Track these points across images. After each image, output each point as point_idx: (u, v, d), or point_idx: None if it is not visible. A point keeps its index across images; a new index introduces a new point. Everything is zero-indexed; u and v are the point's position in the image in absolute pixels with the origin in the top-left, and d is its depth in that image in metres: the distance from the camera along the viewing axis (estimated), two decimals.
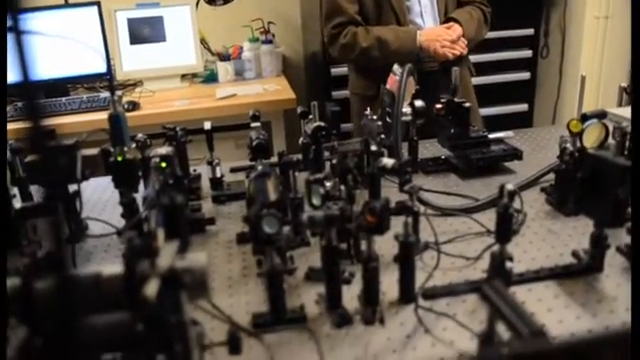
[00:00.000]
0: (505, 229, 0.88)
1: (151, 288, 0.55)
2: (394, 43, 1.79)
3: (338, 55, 1.89)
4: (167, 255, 0.60)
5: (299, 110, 1.36)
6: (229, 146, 2.37)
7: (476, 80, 2.86)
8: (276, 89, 2.65)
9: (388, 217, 0.82)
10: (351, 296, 0.92)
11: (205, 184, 1.40)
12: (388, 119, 1.35)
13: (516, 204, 1.05)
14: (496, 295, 0.56)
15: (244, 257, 1.09)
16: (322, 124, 1.21)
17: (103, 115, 1.15)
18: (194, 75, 2.83)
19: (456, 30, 1.81)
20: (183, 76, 2.79)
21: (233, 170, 1.53)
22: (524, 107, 3.12)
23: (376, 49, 1.80)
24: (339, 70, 2.75)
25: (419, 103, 1.37)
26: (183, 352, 0.59)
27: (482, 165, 1.38)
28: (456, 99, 1.39)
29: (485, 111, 2.86)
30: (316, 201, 0.93)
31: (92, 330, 0.56)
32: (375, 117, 1.19)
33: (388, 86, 1.38)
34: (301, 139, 1.39)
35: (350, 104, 2.04)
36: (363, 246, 0.96)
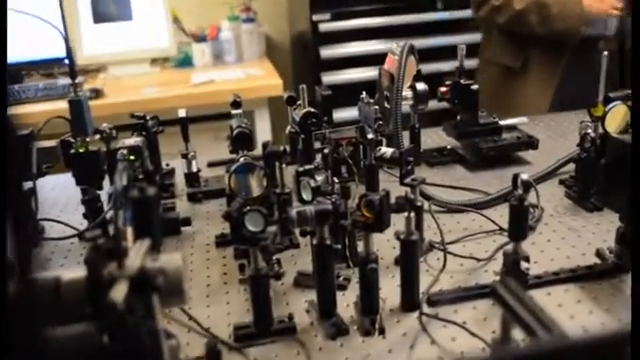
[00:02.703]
0: (520, 225, 0.89)
1: (118, 292, 0.55)
2: (555, 5, 1.74)
3: (485, 18, 1.88)
4: (137, 255, 0.59)
5: (286, 95, 1.35)
6: (207, 139, 2.38)
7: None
8: (259, 74, 2.65)
9: (388, 212, 0.82)
10: (347, 303, 0.92)
11: (180, 180, 1.40)
12: (386, 104, 1.35)
13: (532, 198, 1.06)
14: (511, 296, 0.56)
15: (224, 262, 1.09)
16: (312, 110, 1.21)
17: (62, 104, 1.14)
18: (166, 59, 2.83)
19: None
20: (153, 60, 2.78)
21: (211, 164, 1.52)
22: None
23: (533, 12, 1.77)
24: (330, 52, 2.76)
25: (421, 86, 1.37)
26: None
27: (493, 155, 1.39)
28: (462, 80, 1.39)
29: None
30: (306, 195, 0.94)
31: (50, 345, 0.55)
32: (371, 100, 1.19)
33: (386, 67, 1.37)
34: (288, 128, 1.39)
35: (477, 74, 2.04)
36: (360, 247, 0.96)
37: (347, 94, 1.69)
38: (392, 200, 0.87)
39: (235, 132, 1.15)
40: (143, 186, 0.64)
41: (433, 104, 1.41)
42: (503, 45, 1.97)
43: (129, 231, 0.65)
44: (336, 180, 0.99)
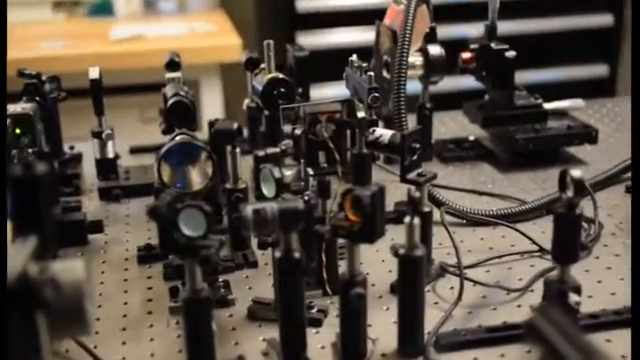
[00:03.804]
0: (569, 242, 0.89)
1: None
2: None
3: None
4: (17, 259, 0.58)
5: (244, 57, 1.37)
6: (130, 118, 2.40)
7: (530, 27, 2.92)
8: (209, 30, 2.66)
9: (382, 214, 0.81)
10: (321, 344, 0.92)
11: (89, 170, 1.40)
12: (386, 73, 1.37)
13: (587, 211, 1.07)
14: (555, 331, 0.56)
15: (149, 284, 1.08)
16: (280, 76, 1.23)
17: None
18: (75, 3, 2.81)
19: None
20: (56, 4, 2.76)
21: (135, 150, 1.56)
22: (602, 70, 3.18)
23: None
24: (309, 4, 2.76)
25: (435, 49, 1.38)
26: None
27: (533, 150, 1.40)
28: (494, 44, 1.40)
29: (544, 75, 2.91)
30: (267, 190, 0.94)
31: None
32: (364, 65, 1.20)
33: (387, 21, 1.38)
34: (246, 102, 1.40)
35: None
36: (342, 266, 0.97)
37: (331, 64, 1.65)
38: (389, 206, 0.87)
39: (170, 102, 1.14)
40: (29, 160, 0.63)
41: (451, 84, 1.42)
42: None
43: (7, 226, 0.65)
44: (311, 171, 0.99)
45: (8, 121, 1.07)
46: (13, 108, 1.12)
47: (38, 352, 0.58)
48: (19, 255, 0.59)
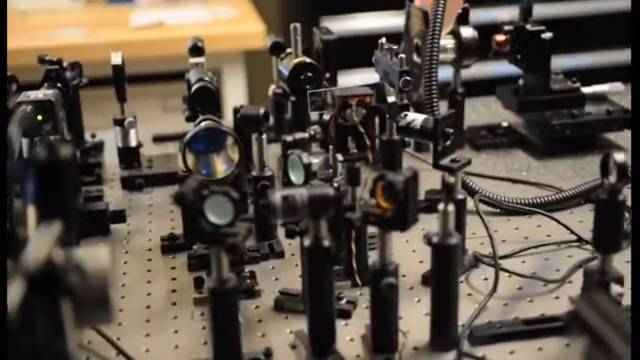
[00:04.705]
0: (611, 230, 0.88)
1: (11, 296, 0.54)
2: None
3: None
4: (41, 245, 0.59)
5: (269, 42, 1.37)
6: (152, 107, 2.39)
7: (567, 9, 2.89)
8: (232, 16, 2.66)
9: (415, 200, 0.81)
10: (351, 337, 0.92)
11: (111, 159, 1.40)
12: (416, 57, 1.36)
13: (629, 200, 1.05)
14: (602, 319, 0.55)
15: (173, 274, 1.09)
16: (308, 60, 1.23)
17: None
18: None
19: None
20: None
21: (158, 139, 1.55)
22: None
23: None
24: None
25: (468, 32, 1.38)
26: None
27: (570, 136, 1.39)
28: (529, 26, 1.39)
29: (581, 59, 2.88)
30: (296, 177, 0.94)
31: None
32: (395, 47, 1.20)
33: (417, 2, 1.38)
34: (272, 88, 1.41)
35: None
36: (373, 255, 0.96)
37: (357, 50, 1.68)
38: (420, 196, 0.86)
39: (195, 87, 1.14)
40: (52, 141, 0.64)
41: (484, 69, 1.40)
42: None
43: (31, 211, 0.65)
44: (340, 158, 0.98)
45: (29, 107, 1.07)
46: (35, 95, 1.12)
47: (62, 339, 0.58)
48: (44, 241, 0.59)
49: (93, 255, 0.60)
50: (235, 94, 2.53)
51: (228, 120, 1.33)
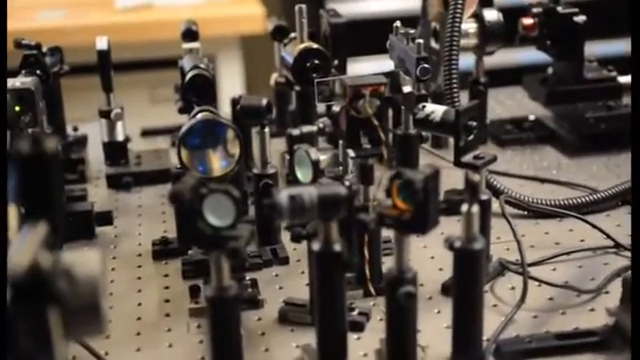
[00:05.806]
0: None
1: None
2: None
3: None
4: (25, 247, 0.59)
5: (271, 26, 1.39)
6: (139, 98, 2.41)
7: None
8: None
9: (436, 200, 0.79)
10: (364, 351, 0.92)
11: (95, 154, 1.41)
12: (434, 43, 1.37)
13: None
14: None
15: (166, 282, 1.09)
16: (315, 45, 1.21)
17: None
18: None
19: None
20: None
21: (147, 133, 1.57)
22: None
23: None
24: None
25: (492, 15, 1.37)
26: None
27: (605, 131, 1.38)
28: (560, 8, 1.37)
29: (618, 45, 2.86)
30: (302, 174, 0.94)
31: None
32: (411, 31, 1.20)
33: None
34: (274, 76, 1.43)
35: None
36: (387, 261, 0.96)
37: (366, 36, 1.68)
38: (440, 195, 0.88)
39: (189, 75, 1.14)
40: (37, 134, 0.62)
41: (509, 56, 1.37)
42: None
43: (12, 210, 0.67)
44: (352, 154, 0.97)
45: (8, 96, 1.07)
46: (12, 82, 1.12)
47: (49, 352, 0.59)
48: (29, 243, 0.60)
49: (82, 259, 0.61)
50: (231, 83, 2.54)
51: (224, 112, 1.34)
